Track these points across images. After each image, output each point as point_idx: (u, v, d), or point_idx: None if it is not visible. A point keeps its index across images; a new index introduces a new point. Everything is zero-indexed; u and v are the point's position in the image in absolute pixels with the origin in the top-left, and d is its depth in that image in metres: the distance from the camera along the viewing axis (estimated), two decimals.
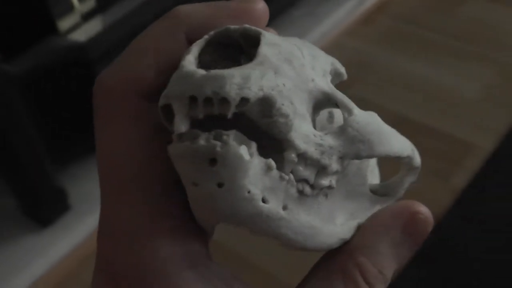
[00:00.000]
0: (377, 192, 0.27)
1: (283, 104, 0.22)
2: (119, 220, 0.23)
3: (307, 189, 0.24)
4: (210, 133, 0.22)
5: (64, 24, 1.11)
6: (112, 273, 0.23)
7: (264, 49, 0.23)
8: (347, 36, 1.68)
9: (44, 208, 1.15)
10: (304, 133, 0.23)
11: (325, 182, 0.24)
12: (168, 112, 0.23)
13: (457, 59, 1.58)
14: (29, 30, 1.12)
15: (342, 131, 0.24)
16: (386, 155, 0.25)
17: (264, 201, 0.22)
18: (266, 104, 0.22)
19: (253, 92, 0.22)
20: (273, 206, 0.22)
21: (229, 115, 0.22)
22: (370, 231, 0.25)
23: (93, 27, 1.13)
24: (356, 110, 0.24)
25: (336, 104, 0.24)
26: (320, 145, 0.23)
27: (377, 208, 0.26)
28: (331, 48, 1.65)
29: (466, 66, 1.56)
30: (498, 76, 1.52)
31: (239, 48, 0.25)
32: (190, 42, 0.25)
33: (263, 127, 0.23)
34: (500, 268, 1.13)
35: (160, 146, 0.24)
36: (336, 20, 1.65)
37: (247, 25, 0.24)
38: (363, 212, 0.26)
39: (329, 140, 0.24)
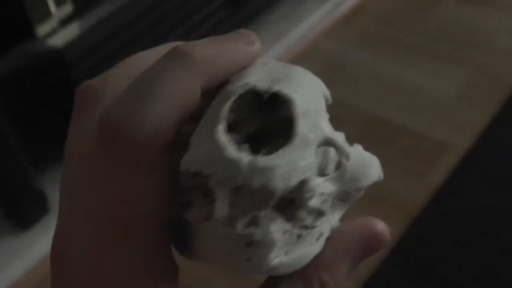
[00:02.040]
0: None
1: (312, 180, 0.23)
2: (111, 262, 0.24)
3: (305, 233, 0.24)
4: (248, 216, 0.23)
5: (42, 29, 1.12)
6: None
7: (300, 126, 0.23)
8: (325, 38, 1.70)
9: (24, 210, 1.16)
10: (315, 187, 0.24)
11: (319, 223, 0.25)
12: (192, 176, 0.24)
13: (433, 59, 1.60)
14: (7, 35, 1.13)
15: (341, 176, 0.25)
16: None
17: (276, 257, 0.24)
18: (300, 186, 0.23)
19: (295, 180, 0.23)
20: (280, 257, 0.24)
21: (270, 205, 0.23)
22: (334, 251, 0.26)
23: (70, 32, 1.14)
24: (352, 154, 0.25)
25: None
26: (323, 194, 0.24)
27: (337, 213, 0.26)
28: (309, 50, 1.66)
29: (441, 66, 1.58)
30: (473, 75, 1.54)
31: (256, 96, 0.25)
32: (204, 91, 0.25)
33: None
34: (475, 264, 1.15)
35: (169, 200, 0.25)
36: (313, 22, 1.66)
37: (277, 88, 0.24)
38: (328, 222, 0.26)
39: (329, 187, 0.24)
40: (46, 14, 1.12)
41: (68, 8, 1.16)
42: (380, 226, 0.27)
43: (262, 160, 0.23)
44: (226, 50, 0.26)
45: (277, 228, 0.23)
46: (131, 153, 0.24)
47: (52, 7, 1.13)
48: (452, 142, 1.38)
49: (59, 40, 1.13)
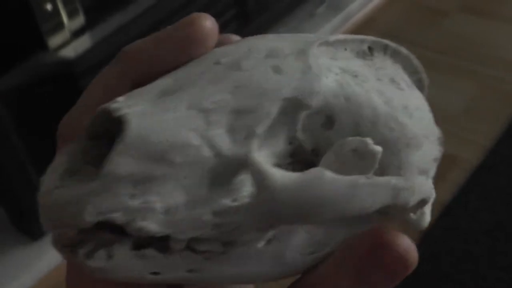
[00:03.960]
0: None
1: (143, 220, 0.21)
2: None
3: (220, 249, 0.22)
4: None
5: (54, 41, 1.13)
6: None
7: (114, 163, 0.20)
8: None
9: (33, 222, 1.16)
10: (189, 222, 0.21)
11: (245, 237, 0.22)
12: None
13: (440, 73, 1.60)
14: (19, 46, 1.14)
15: (254, 207, 0.21)
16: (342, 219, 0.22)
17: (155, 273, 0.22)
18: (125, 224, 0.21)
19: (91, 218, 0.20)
20: (167, 275, 0.22)
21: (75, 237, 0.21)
22: (326, 265, 0.23)
23: (82, 44, 1.15)
24: (272, 178, 0.21)
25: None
26: (218, 225, 0.21)
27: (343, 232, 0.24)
28: None
29: (449, 80, 1.58)
30: (481, 89, 1.54)
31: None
32: (140, 85, 0.24)
33: None
34: (482, 280, 1.15)
35: None
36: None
37: (107, 108, 0.21)
38: (339, 237, 0.24)
39: (235, 217, 0.21)
40: (58, 26, 1.13)
41: (80, 20, 1.16)
42: (390, 236, 0.22)
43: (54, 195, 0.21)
44: (156, 38, 0.24)
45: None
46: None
47: (64, 18, 1.13)
48: (460, 157, 1.38)
49: (71, 51, 1.13)
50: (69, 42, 1.15)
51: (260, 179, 0.21)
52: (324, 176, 0.21)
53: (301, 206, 0.21)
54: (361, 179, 0.22)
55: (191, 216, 0.21)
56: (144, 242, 0.21)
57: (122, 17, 1.20)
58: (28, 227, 1.17)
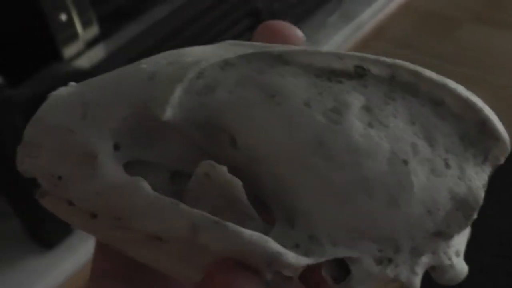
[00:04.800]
0: None
1: None
2: None
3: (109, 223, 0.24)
4: None
5: (68, 51, 1.14)
6: None
7: (25, 131, 0.24)
8: None
9: (48, 230, 1.16)
10: None
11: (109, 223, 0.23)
12: None
13: None
14: (34, 56, 1.15)
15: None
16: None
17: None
18: None
19: None
20: None
21: None
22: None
23: (96, 54, 1.16)
24: (102, 172, 0.22)
25: None
26: (95, 200, 0.23)
27: None
28: None
29: None
30: (494, 98, 1.54)
31: None
32: None
33: None
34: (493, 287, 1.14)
35: None
36: (333, 46, 1.67)
37: None
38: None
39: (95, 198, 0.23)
40: (73, 36, 1.14)
41: (94, 30, 1.17)
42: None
43: None
44: None
45: None
46: None
47: (79, 29, 1.14)
48: None
49: (86, 61, 1.14)
50: (84, 52, 1.16)
51: (97, 170, 0.22)
52: (139, 186, 0.21)
53: (114, 204, 0.21)
54: (165, 201, 0.21)
55: (81, 187, 0.22)
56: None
57: (136, 27, 1.21)
58: (43, 236, 1.18)
